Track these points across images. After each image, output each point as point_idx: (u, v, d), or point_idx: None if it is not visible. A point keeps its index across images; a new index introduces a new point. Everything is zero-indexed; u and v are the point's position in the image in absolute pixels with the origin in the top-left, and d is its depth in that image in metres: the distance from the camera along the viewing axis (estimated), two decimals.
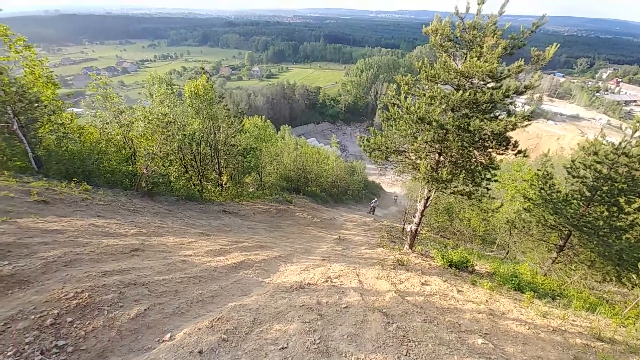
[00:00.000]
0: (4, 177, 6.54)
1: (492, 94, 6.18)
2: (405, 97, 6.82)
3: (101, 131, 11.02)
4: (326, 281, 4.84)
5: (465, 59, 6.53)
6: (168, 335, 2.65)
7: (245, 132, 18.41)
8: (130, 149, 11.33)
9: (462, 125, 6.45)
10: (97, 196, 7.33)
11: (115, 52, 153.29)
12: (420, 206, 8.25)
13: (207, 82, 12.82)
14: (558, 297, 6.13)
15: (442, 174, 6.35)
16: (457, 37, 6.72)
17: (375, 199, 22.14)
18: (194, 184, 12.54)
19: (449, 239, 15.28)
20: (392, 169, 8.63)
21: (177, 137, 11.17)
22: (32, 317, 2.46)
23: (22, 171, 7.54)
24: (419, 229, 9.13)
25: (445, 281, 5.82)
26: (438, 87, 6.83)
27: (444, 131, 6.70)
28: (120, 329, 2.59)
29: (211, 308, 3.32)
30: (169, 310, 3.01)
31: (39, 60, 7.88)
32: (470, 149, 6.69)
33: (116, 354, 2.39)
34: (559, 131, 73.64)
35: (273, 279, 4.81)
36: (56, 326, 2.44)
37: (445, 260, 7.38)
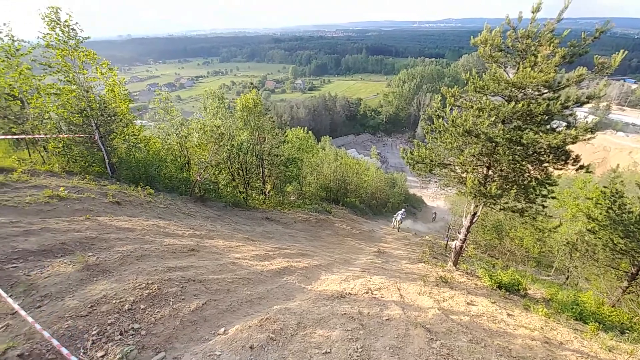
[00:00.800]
0: (86, 180, 7.58)
1: (548, 105, 5.83)
2: (451, 110, 6.69)
3: (162, 141, 12.25)
4: (367, 293, 4.85)
5: (518, 69, 6.26)
6: (222, 330, 2.90)
7: (288, 143, 19.14)
8: (185, 157, 12.42)
9: (513, 138, 6.14)
10: (159, 200, 8.15)
11: (175, 70, 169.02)
12: (466, 222, 7.89)
13: (256, 96, 13.68)
14: (628, 331, 5.43)
15: (490, 188, 6.06)
16: (508, 47, 6.47)
17: (403, 209, 18.74)
18: (240, 192, 13.29)
19: (497, 258, 14.23)
20: (435, 182, 8.41)
21: (227, 147, 12.01)
22: (114, 302, 2.87)
23: (99, 175, 8.66)
24: (464, 246, 8.70)
25: (493, 303, 5.49)
26: (487, 99, 6.60)
27: (493, 144, 6.42)
28: (183, 319, 2.90)
29: (259, 308, 3.55)
30: (222, 306, 3.29)
31: (118, 81, 9.08)
32: (523, 163, 6.31)
33: (179, 340, 2.68)
34: (632, 144, 64.86)
35: (314, 286, 4.95)
36: (132, 311, 2.81)
37: (493, 280, 6.94)
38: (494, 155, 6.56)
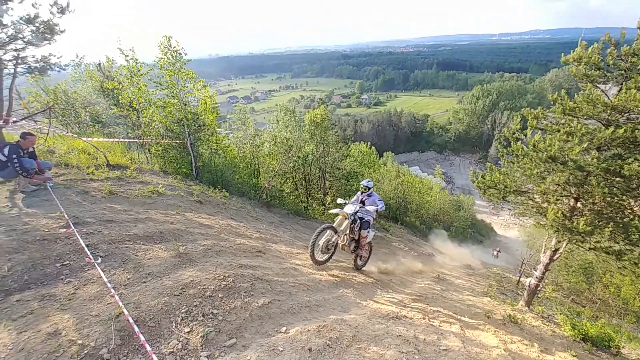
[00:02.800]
0: (177, 179, 8.85)
1: None
2: (533, 133, 6.16)
3: (238, 149, 13.61)
4: (423, 318, 4.70)
5: (620, 90, 5.52)
6: (284, 329, 3.17)
7: (350, 157, 19.41)
8: (256, 165, 13.56)
9: (611, 168, 5.38)
10: (232, 202, 9.07)
11: (252, 84, 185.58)
12: (544, 258, 7.04)
13: (324, 111, 14.36)
14: None
15: (578, 223, 5.36)
16: (608, 65, 5.76)
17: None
18: (301, 201, 13.92)
19: (584, 306, 12.16)
20: (509, 209, 7.70)
21: (294, 158, 12.79)
22: (198, 287, 3.36)
23: (186, 176, 9.99)
24: (540, 286, 7.73)
25: (574, 356, 4.79)
26: (578, 122, 5.92)
27: (584, 174, 5.71)
28: (252, 313, 3.25)
29: (316, 315, 3.75)
30: (284, 307, 3.57)
31: (210, 96, 10.48)
32: (624, 197, 5.46)
33: (248, 331, 3.02)
34: None
35: (369, 303, 4.97)
36: (212, 298, 3.26)
37: (576, 331, 6.02)
38: (585, 186, 5.81)
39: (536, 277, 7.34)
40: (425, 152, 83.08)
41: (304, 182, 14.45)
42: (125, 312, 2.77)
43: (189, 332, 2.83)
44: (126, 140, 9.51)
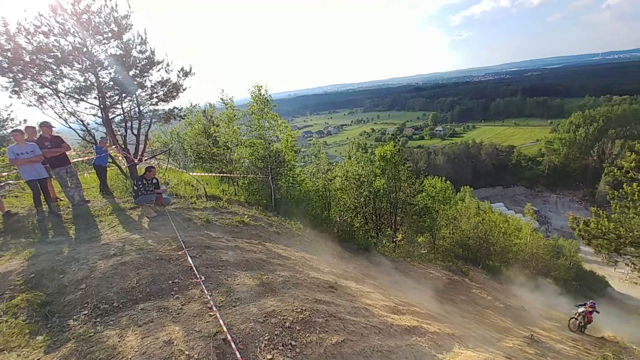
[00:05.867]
0: (258, 210, 9.82)
1: None
2: None
3: (312, 183, 14.44)
4: None
5: None
6: None
7: (423, 192, 18.64)
8: (328, 198, 14.11)
9: None
10: (305, 234, 9.57)
11: (325, 119, 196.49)
12: None
13: (394, 147, 14.42)
14: None
15: None
16: None
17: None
18: (371, 236, 13.78)
19: None
20: (628, 263, 6.37)
21: (365, 193, 12.97)
22: (279, 317, 3.68)
23: (266, 207, 11.00)
24: None
25: None
26: None
27: None
28: (326, 349, 3.39)
29: None
30: (357, 348, 3.62)
31: (291, 134, 11.66)
32: None
33: None
34: None
35: (446, 357, 4.60)
36: (290, 329, 3.53)
37: None
38: None
39: None
40: (511, 187, 74.16)
41: (374, 216, 14.37)
42: (229, 336, 3.19)
43: (270, 359, 3.11)
44: (220, 175, 11.08)
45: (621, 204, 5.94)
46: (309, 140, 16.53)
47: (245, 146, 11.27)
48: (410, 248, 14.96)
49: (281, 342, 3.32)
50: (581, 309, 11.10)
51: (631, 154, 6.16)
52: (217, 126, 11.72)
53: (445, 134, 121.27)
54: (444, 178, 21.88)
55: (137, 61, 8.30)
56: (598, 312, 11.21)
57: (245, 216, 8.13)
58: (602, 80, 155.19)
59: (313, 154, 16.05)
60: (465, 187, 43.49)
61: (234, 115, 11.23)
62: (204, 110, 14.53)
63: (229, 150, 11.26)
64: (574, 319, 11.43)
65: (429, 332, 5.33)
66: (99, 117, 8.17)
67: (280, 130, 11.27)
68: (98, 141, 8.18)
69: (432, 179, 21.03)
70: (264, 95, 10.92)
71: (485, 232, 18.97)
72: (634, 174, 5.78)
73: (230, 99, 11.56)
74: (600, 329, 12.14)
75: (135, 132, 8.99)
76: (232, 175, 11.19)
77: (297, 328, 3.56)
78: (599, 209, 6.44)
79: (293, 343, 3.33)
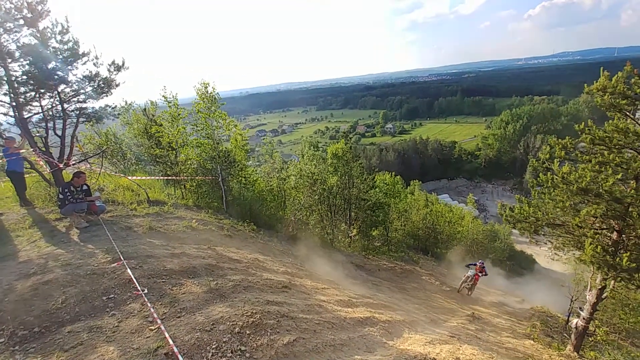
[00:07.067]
0: (209, 214, 9.36)
1: None
2: (560, 164, 6.00)
3: (265, 182, 14.16)
4: None
5: None
6: None
7: (375, 188, 19.38)
8: (282, 198, 13.96)
9: None
10: (259, 235, 9.36)
11: (279, 118, 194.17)
12: (590, 297, 6.50)
13: (345, 144, 14.75)
14: None
15: (621, 259, 4.99)
16: (636, 94, 5.63)
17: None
18: (327, 233, 13.96)
19: None
20: (549, 242, 7.28)
21: (319, 190, 13.07)
22: (228, 323, 3.54)
23: (217, 210, 10.52)
24: (589, 327, 7.05)
25: None
26: (611, 152, 5.71)
27: (624, 205, 5.40)
28: (277, 350, 3.34)
29: (340, 355, 3.74)
30: (309, 346, 3.62)
31: (241, 134, 11.27)
32: None
33: None
34: None
35: (396, 343, 4.84)
36: (240, 334, 3.41)
37: None
38: (626, 219, 5.46)
39: (583, 318, 6.75)
40: (454, 180, 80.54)
41: (329, 213, 14.57)
42: (175, 349, 2.97)
43: None
44: (165, 178, 10.34)
45: (539, 191, 6.74)
46: (263, 139, 16.16)
47: (192, 147, 10.65)
48: (365, 242, 15.46)
49: (230, 349, 3.20)
50: (471, 272, 11.36)
51: (546, 147, 6.99)
52: (160, 125, 10.89)
53: (395, 131, 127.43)
54: (393, 173, 22.97)
55: (58, 52, 7.34)
56: (486, 274, 11.80)
57: (194, 220, 7.70)
58: (525, 82, 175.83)
59: (267, 153, 15.77)
60: (414, 181, 46.15)
61: (178, 114, 10.54)
62: (145, 109, 13.43)
63: (174, 151, 10.55)
64: (465, 284, 11.55)
65: (381, 321, 5.55)
66: (10, 115, 7.08)
67: (229, 130, 10.84)
68: (4, 141, 7.01)
69: (383, 174, 21.98)
70: (211, 92, 10.41)
71: (433, 222, 20.38)
72: (549, 165, 6.58)
73: (173, 96, 10.83)
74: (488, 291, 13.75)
75: (60, 133, 7.96)
76: (178, 177, 10.51)
77: (247, 332, 3.45)
78: (522, 196, 7.23)
79: (243, 348, 3.22)
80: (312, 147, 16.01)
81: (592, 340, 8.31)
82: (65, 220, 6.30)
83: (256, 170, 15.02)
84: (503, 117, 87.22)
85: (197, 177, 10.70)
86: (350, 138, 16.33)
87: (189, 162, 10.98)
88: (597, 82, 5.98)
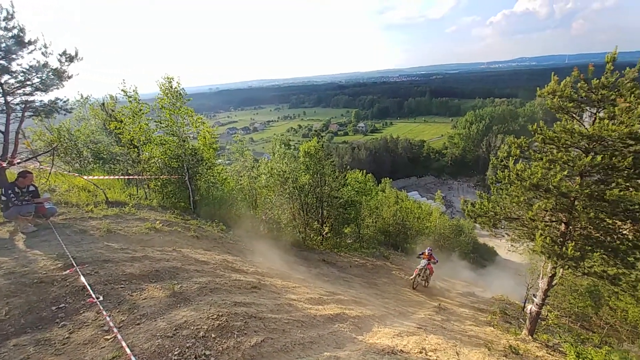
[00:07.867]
0: (175, 214, 8.96)
1: (636, 159, 5.26)
2: (515, 162, 6.41)
3: (235, 181, 13.83)
4: (420, 352, 4.64)
5: (594, 121, 5.86)
6: None
7: (347, 186, 19.63)
8: (253, 197, 13.72)
9: (595, 194, 5.57)
10: (229, 236, 9.12)
11: (251, 115, 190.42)
12: (542, 284, 7.02)
13: (317, 143, 14.77)
14: None
15: (567, 249, 5.44)
16: (582, 97, 6.14)
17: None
18: (299, 231, 13.92)
19: (593, 332, 11.82)
20: (505, 235, 7.77)
21: (289, 189, 12.98)
22: (192, 328, 3.39)
23: (184, 210, 10.10)
24: (542, 312, 7.62)
25: None
26: (559, 151, 6.20)
27: (570, 199, 5.89)
28: (244, 352, 3.26)
29: (310, 353, 3.73)
30: (277, 345, 3.58)
31: (209, 131, 10.87)
32: (608, 221, 5.60)
33: None
34: None
35: (365, 337, 4.92)
36: (205, 338, 3.28)
37: (581, 359, 5.89)
38: (572, 212, 5.96)
39: (537, 304, 7.27)
40: (423, 177, 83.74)
41: (301, 212, 14.53)
42: (133, 358, 2.79)
43: None
44: (126, 177, 9.75)
45: (497, 187, 7.15)
46: (234, 136, 15.72)
47: (156, 144, 10.12)
48: (337, 239, 15.62)
49: (194, 354, 3.07)
50: (424, 262, 11.08)
51: (505, 146, 7.43)
52: (121, 122, 10.23)
53: (367, 130, 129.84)
54: (365, 171, 23.41)
55: (1, 40, 6.63)
56: (436, 262, 11.54)
57: (157, 222, 7.33)
58: (487, 85, 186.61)
59: (238, 151, 15.39)
60: (385, 178, 47.29)
61: (140, 110, 9.96)
62: (103, 104, 12.56)
63: (136, 149, 9.97)
64: (417, 277, 11.24)
65: (351, 317, 5.63)
66: None
67: (196, 127, 10.42)
68: None
69: (355, 172, 22.31)
70: (175, 88, 9.94)
71: (403, 218, 21.02)
72: (506, 162, 7.00)
73: (134, 90, 10.21)
74: (454, 282, 14.70)
75: (3, 128, 7.21)
76: (141, 177, 9.96)
77: (213, 336, 3.34)
78: (483, 192, 7.63)
79: (207, 352, 3.11)
80: (283, 145, 15.85)
81: (545, 324, 9.00)
82: (10, 224, 5.75)
83: (226, 169, 14.62)
84: (467, 117, 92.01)
85: (161, 177, 10.18)
86: (323, 136, 16.40)
87: (152, 161, 10.43)
88: (547, 86, 6.46)
